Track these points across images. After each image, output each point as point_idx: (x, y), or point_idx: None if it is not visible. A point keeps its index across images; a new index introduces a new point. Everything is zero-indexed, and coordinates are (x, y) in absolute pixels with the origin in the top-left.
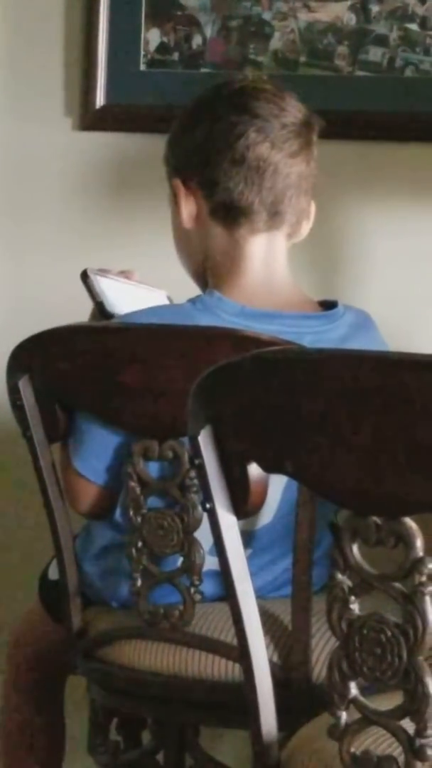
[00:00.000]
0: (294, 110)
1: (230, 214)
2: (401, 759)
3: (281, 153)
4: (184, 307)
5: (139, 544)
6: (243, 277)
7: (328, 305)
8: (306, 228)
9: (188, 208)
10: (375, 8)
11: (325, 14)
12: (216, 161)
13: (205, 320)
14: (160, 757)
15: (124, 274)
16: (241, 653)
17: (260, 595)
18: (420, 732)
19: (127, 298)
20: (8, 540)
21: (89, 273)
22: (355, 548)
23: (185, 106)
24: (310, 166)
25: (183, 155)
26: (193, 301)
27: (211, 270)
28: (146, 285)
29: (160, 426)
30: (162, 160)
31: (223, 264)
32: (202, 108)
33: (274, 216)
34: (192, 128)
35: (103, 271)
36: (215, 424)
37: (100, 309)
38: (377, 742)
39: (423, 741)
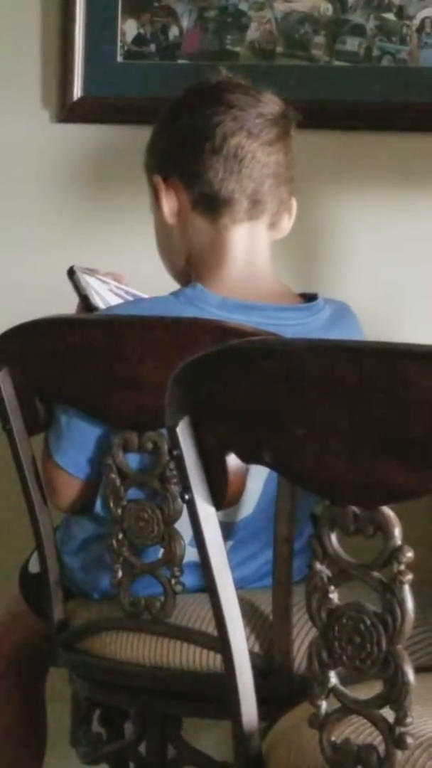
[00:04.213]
0: (271, 102)
1: (211, 204)
2: (381, 748)
3: (258, 141)
4: (166, 299)
5: (120, 535)
6: (225, 269)
7: (308, 297)
8: (288, 224)
9: (169, 204)
10: None
11: (301, 4)
12: (195, 153)
13: (187, 312)
14: (142, 748)
15: (114, 276)
16: (222, 644)
17: (241, 585)
18: (400, 720)
19: (112, 296)
20: None
21: (76, 270)
22: (333, 538)
23: (162, 109)
24: (288, 157)
25: (162, 151)
26: (175, 293)
27: (193, 264)
28: (134, 289)
29: (139, 417)
30: (143, 166)
31: (206, 257)
32: (178, 106)
33: (255, 205)
34: (169, 125)
35: (91, 271)
36: (194, 415)
37: (85, 302)
38: (357, 731)
39: (403, 729)
